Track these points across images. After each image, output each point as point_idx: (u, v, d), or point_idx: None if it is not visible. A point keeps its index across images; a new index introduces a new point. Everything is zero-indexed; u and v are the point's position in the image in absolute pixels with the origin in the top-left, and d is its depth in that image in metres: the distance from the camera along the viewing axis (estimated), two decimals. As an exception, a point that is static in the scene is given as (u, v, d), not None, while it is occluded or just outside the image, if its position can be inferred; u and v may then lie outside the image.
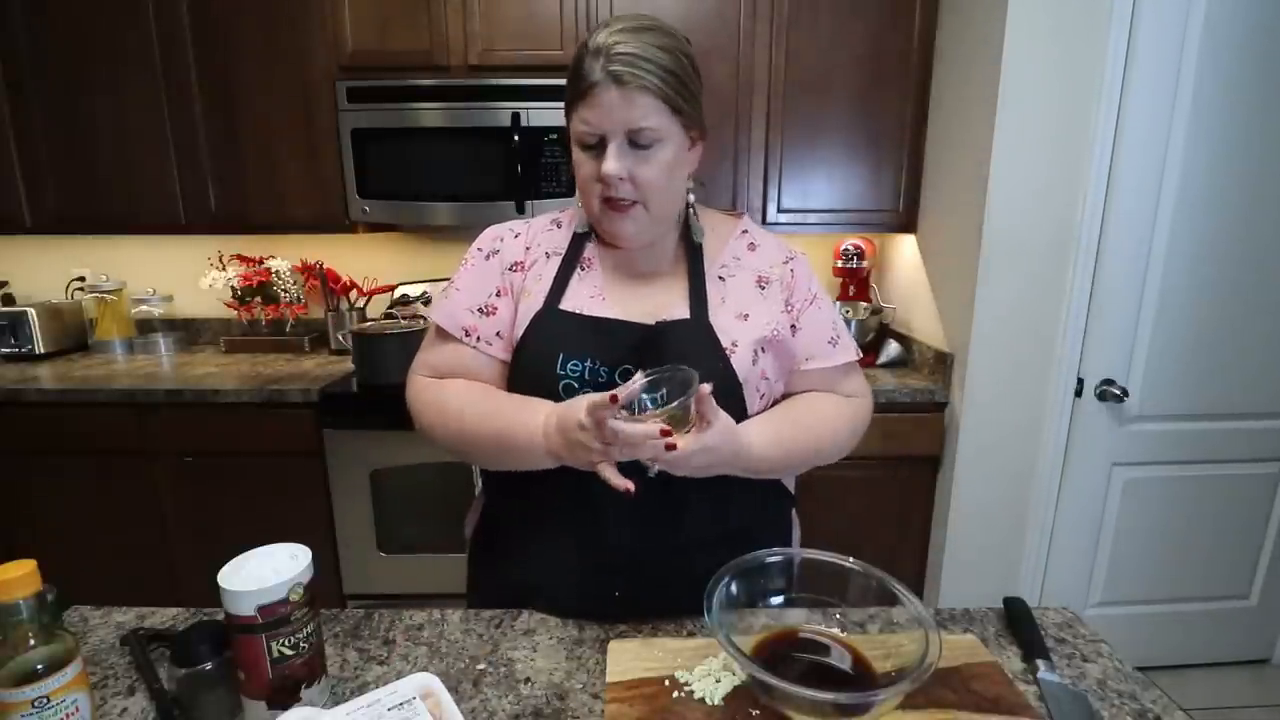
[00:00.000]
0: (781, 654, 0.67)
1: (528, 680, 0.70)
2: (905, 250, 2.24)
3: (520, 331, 0.85)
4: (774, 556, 0.72)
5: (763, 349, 0.85)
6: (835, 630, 0.70)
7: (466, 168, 2.02)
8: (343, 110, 2.00)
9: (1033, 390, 1.83)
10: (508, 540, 0.91)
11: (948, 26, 1.94)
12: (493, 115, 1.98)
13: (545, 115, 1.97)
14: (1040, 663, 0.70)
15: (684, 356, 0.80)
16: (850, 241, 2.24)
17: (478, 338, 0.87)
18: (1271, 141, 1.69)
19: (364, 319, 2.36)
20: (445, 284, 0.95)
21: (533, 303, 0.85)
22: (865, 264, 2.25)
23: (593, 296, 0.85)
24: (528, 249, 0.90)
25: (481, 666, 0.72)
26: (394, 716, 0.57)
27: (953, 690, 0.65)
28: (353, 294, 2.39)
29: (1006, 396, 1.83)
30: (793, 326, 0.88)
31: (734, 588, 0.69)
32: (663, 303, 0.86)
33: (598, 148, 0.78)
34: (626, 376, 0.81)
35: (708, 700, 0.64)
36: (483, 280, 0.89)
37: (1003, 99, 1.66)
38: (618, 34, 0.75)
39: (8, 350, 2.24)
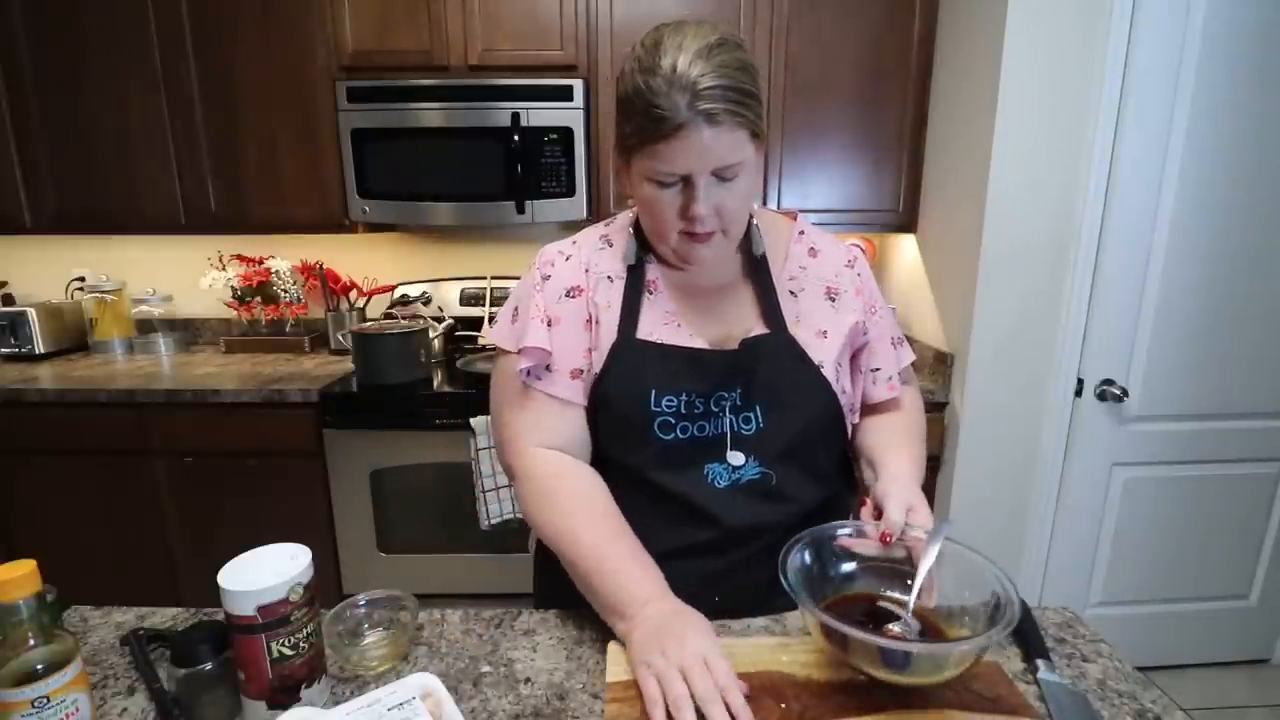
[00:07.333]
0: (851, 613, 0.68)
1: (528, 680, 0.70)
2: (905, 250, 2.24)
3: (598, 363, 0.82)
4: (845, 529, 0.74)
5: (840, 364, 0.85)
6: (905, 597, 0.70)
7: (466, 168, 2.02)
8: (343, 110, 2.00)
9: (1033, 390, 1.83)
10: None
11: (948, 26, 1.94)
12: (492, 115, 1.98)
13: (545, 115, 1.97)
14: (1040, 663, 0.70)
15: (776, 373, 0.81)
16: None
17: (546, 367, 0.82)
18: (1271, 141, 1.69)
19: (364, 319, 2.36)
20: (502, 310, 0.90)
21: (606, 332, 0.82)
22: (865, 264, 2.25)
23: (666, 323, 0.83)
24: (587, 271, 0.85)
25: (482, 667, 0.72)
26: (394, 716, 0.57)
27: (953, 690, 0.65)
28: (353, 294, 2.39)
29: (1006, 396, 1.83)
30: (867, 332, 0.89)
31: (807, 555, 0.71)
32: (736, 319, 0.85)
33: (676, 184, 0.73)
34: (721, 404, 0.81)
35: (708, 700, 0.64)
36: (543, 303, 0.84)
37: (1003, 99, 1.66)
38: (695, 61, 0.67)
39: (8, 350, 2.24)
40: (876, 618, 0.68)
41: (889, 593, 0.71)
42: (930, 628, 0.67)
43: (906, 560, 0.71)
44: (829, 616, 0.59)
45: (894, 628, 0.66)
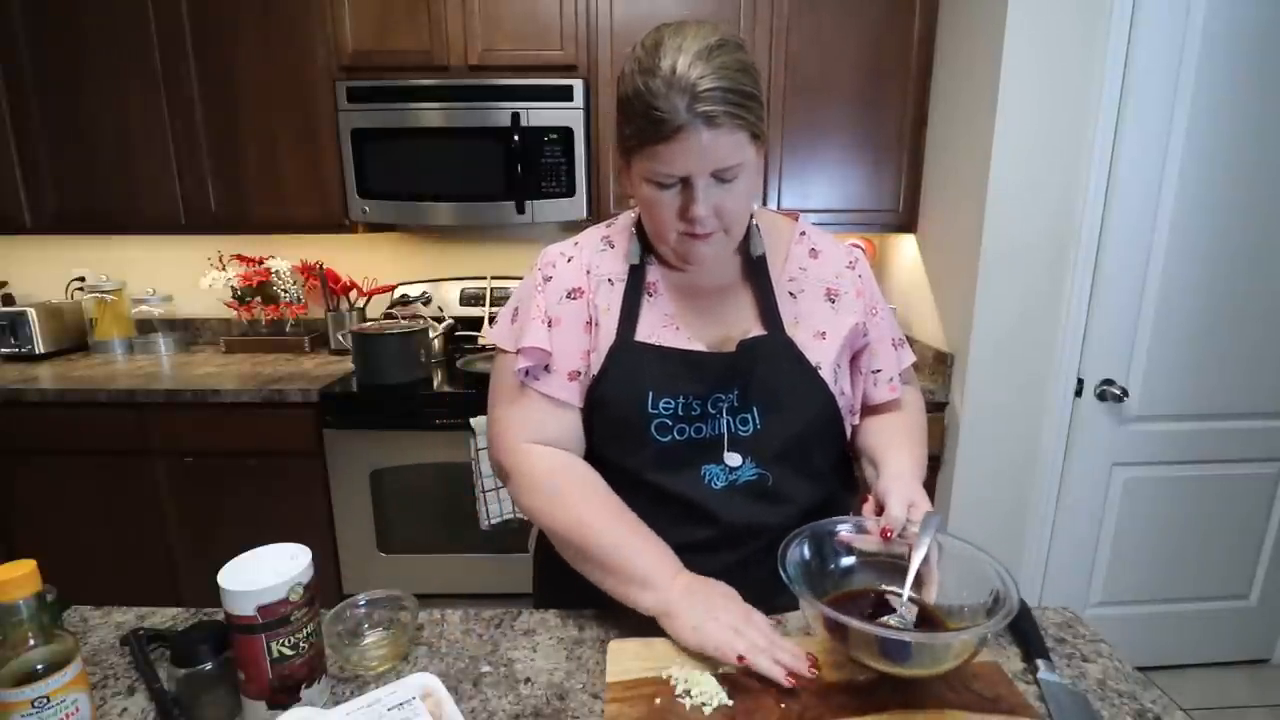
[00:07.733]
0: (850, 608, 0.67)
1: (528, 680, 0.70)
2: (905, 250, 2.24)
3: (596, 365, 0.82)
4: (845, 524, 0.75)
5: (839, 365, 0.85)
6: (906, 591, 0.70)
7: (466, 168, 2.02)
8: (343, 110, 2.00)
9: (1033, 390, 1.83)
10: None
11: (948, 26, 1.94)
12: (492, 115, 1.98)
13: (545, 115, 1.97)
14: (1040, 663, 0.70)
15: (773, 375, 0.81)
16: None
17: (545, 367, 0.82)
18: (1271, 141, 1.69)
19: (364, 319, 2.36)
20: (503, 310, 0.90)
21: (605, 335, 0.82)
22: (865, 264, 2.25)
23: (665, 326, 0.83)
24: (588, 273, 0.85)
25: (482, 667, 0.72)
26: (394, 716, 0.57)
27: (953, 690, 0.65)
28: (352, 294, 2.39)
29: (1006, 396, 1.83)
30: (867, 334, 0.89)
31: (806, 549, 0.71)
32: (735, 321, 0.85)
33: (675, 185, 0.73)
34: (718, 405, 0.81)
35: (708, 701, 0.64)
36: (544, 304, 0.84)
37: (1002, 99, 1.66)
38: (695, 62, 0.67)
39: (8, 350, 2.24)
40: (875, 613, 0.68)
41: (888, 588, 0.71)
42: (931, 621, 0.67)
43: (907, 556, 0.71)
44: (829, 608, 0.60)
45: (891, 619, 0.66)
